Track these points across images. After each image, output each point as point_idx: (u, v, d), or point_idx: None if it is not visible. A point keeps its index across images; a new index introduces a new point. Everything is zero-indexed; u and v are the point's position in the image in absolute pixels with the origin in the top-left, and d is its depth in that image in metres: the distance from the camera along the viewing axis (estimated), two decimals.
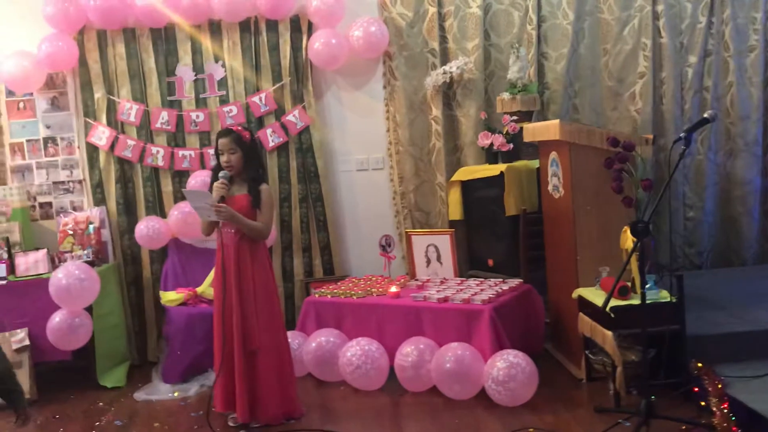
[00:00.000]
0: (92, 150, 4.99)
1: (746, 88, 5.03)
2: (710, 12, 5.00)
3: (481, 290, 4.16)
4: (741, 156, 5.06)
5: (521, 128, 4.60)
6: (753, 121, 5.03)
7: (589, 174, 3.91)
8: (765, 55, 5.01)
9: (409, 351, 3.94)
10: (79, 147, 5.04)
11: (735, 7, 4.99)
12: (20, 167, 5.04)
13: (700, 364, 3.34)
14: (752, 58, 5.02)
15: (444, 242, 4.61)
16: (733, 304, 4.09)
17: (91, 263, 4.55)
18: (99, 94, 4.94)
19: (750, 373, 3.40)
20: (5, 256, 4.59)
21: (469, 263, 4.92)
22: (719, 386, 3.19)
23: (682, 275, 3.50)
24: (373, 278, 4.75)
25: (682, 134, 3.18)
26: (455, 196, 4.86)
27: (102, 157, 4.97)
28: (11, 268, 4.55)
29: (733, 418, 3.03)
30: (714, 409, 3.12)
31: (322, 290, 4.54)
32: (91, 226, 4.78)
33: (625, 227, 3.48)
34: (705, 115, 3.29)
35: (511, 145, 4.71)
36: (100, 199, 4.99)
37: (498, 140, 4.73)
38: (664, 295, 3.53)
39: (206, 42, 4.97)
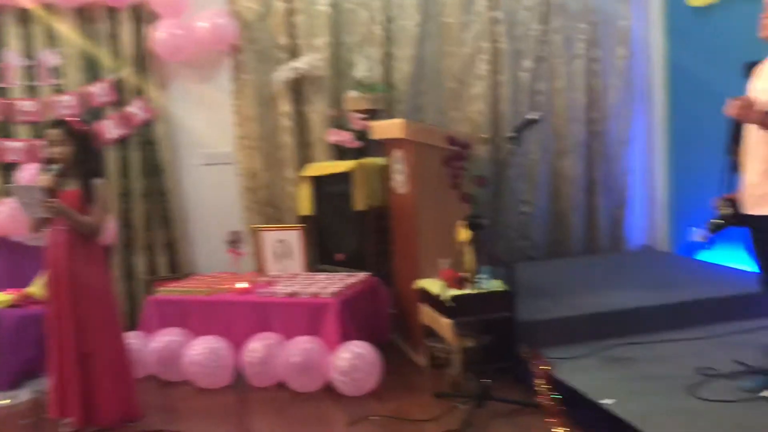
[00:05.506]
0: None
1: (573, 93, 5.44)
2: (543, 21, 5.36)
3: (330, 284, 4.23)
4: (568, 156, 5.47)
5: (369, 126, 4.72)
6: (579, 122, 5.46)
7: (430, 171, 4.07)
8: (586, 62, 5.44)
9: (256, 347, 3.93)
10: None
11: (565, 18, 5.38)
12: None
13: (527, 349, 3.59)
14: (577, 65, 5.44)
15: (293, 238, 4.64)
16: (559, 292, 4.42)
17: None
18: None
19: (571, 354, 3.70)
20: None
21: (320, 258, 4.97)
22: (545, 368, 3.44)
23: (514, 266, 3.75)
24: (221, 275, 4.68)
25: (511, 133, 3.41)
26: (305, 192, 4.89)
27: None
28: None
29: (559, 397, 3.28)
30: (540, 389, 3.36)
31: (167, 288, 4.41)
32: None
33: (460, 221, 3.67)
34: (529, 117, 3.54)
35: (360, 142, 4.81)
36: None
37: (347, 137, 4.81)
38: (498, 285, 3.77)
39: (39, 27, 4.66)
